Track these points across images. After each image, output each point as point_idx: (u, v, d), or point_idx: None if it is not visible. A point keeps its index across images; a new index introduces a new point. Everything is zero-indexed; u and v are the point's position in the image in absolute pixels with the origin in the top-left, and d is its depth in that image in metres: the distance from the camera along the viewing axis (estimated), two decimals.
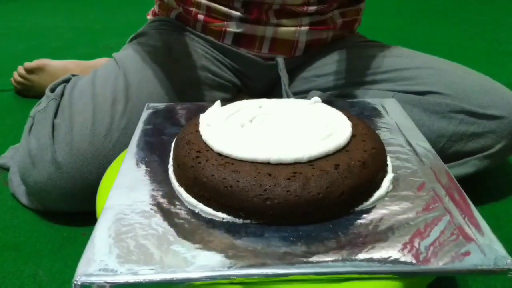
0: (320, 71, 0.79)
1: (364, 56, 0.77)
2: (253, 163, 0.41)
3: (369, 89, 0.72)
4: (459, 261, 0.34)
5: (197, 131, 0.47)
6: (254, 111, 0.50)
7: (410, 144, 0.51)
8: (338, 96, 0.76)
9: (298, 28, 0.76)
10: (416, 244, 0.36)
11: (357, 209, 0.41)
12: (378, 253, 0.35)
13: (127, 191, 0.43)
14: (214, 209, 0.40)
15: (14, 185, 0.70)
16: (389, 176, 0.44)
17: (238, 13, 0.75)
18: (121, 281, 0.33)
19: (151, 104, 0.63)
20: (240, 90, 0.82)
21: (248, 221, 0.39)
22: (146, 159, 0.49)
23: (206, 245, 0.36)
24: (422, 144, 0.51)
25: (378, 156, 0.44)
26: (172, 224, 0.39)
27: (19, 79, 1.08)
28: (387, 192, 0.43)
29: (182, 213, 0.40)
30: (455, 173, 0.58)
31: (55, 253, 0.60)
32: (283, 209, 0.38)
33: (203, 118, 0.48)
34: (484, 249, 0.35)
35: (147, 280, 0.33)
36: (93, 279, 0.33)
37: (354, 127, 0.47)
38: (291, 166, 0.41)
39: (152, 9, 0.88)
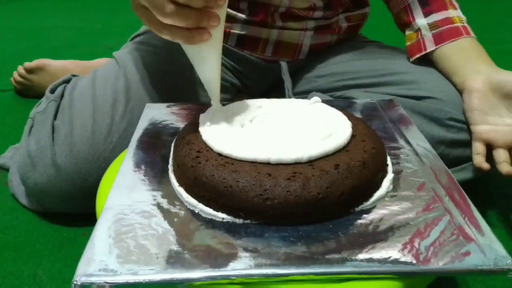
0: (321, 72, 0.78)
1: (365, 58, 0.77)
2: (253, 163, 0.41)
3: (369, 92, 0.72)
4: (459, 261, 0.34)
5: (197, 131, 0.47)
6: (254, 111, 0.50)
7: (410, 144, 0.51)
8: (338, 98, 0.75)
9: (303, 31, 0.76)
10: (416, 244, 0.36)
11: (357, 209, 0.41)
12: (378, 253, 0.35)
13: (127, 191, 0.43)
14: (214, 209, 0.40)
15: (14, 185, 0.70)
16: (389, 176, 0.44)
17: (243, 15, 0.74)
18: (121, 281, 0.33)
19: (151, 104, 0.62)
20: (240, 91, 0.82)
21: (248, 221, 0.39)
22: (146, 159, 0.49)
23: (206, 245, 0.36)
24: (422, 144, 0.51)
25: (378, 156, 0.44)
26: (172, 224, 0.39)
27: (19, 79, 1.08)
28: (387, 192, 0.43)
29: (182, 213, 0.40)
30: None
31: (55, 253, 0.60)
32: (283, 209, 0.38)
33: (203, 118, 0.48)
34: (484, 249, 0.35)
35: (147, 280, 0.33)
36: (93, 279, 0.33)
37: (354, 127, 0.47)
38: (291, 166, 0.41)
39: None
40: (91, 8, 2.20)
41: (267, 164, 0.41)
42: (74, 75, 0.75)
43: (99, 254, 0.35)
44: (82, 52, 1.48)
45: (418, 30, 0.71)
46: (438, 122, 0.64)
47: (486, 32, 1.63)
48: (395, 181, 0.44)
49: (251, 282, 0.34)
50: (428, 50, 0.69)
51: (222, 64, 0.78)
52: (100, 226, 0.38)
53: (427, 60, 0.71)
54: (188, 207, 0.41)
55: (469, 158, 0.62)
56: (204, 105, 0.58)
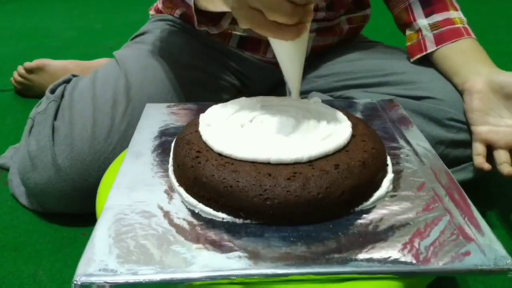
0: (321, 72, 0.79)
1: (365, 58, 0.77)
2: (253, 163, 0.41)
3: (369, 92, 0.72)
4: (459, 261, 0.34)
5: (197, 131, 0.47)
6: (254, 111, 0.50)
7: (410, 144, 0.51)
8: (338, 98, 0.75)
9: None
10: (416, 244, 0.36)
11: (357, 209, 0.41)
12: (378, 253, 0.35)
13: (127, 191, 0.43)
14: (214, 209, 0.40)
15: (14, 185, 0.70)
16: (389, 176, 0.44)
17: None
18: (121, 281, 0.33)
19: (151, 104, 0.62)
20: (240, 91, 0.82)
21: (248, 221, 0.39)
22: (146, 159, 0.49)
23: (206, 245, 0.36)
24: (422, 144, 0.51)
25: (378, 156, 0.44)
26: (172, 224, 0.39)
27: (19, 79, 1.08)
28: (387, 192, 0.43)
29: (182, 213, 0.40)
30: None
31: (55, 253, 0.60)
32: (283, 209, 0.38)
33: (203, 118, 0.48)
34: (484, 249, 0.35)
35: (147, 280, 0.33)
36: (93, 279, 0.33)
37: (354, 127, 0.47)
38: (291, 166, 0.41)
39: (155, 4, 0.87)
40: (91, 8, 2.20)
41: (267, 164, 0.41)
42: (74, 75, 0.75)
43: (99, 254, 0.35)
44: (82, 52, 1.48)
45: (419, 30, 0.71)
46: (438, 122, 0.64)
47: (486, 33, 1.63)
48: (395, 181, 0.44)
49: (251, 282, 0.34)
50: (428, 51, 0.69)
51: (223, 65, 0.78)
52: (100, 226, 0.38)
53: (427, 61, 0.71)
54: (188, 207, 0.41)
55: (469, 158, 0.62)
56: (204, 105, 0.58)
